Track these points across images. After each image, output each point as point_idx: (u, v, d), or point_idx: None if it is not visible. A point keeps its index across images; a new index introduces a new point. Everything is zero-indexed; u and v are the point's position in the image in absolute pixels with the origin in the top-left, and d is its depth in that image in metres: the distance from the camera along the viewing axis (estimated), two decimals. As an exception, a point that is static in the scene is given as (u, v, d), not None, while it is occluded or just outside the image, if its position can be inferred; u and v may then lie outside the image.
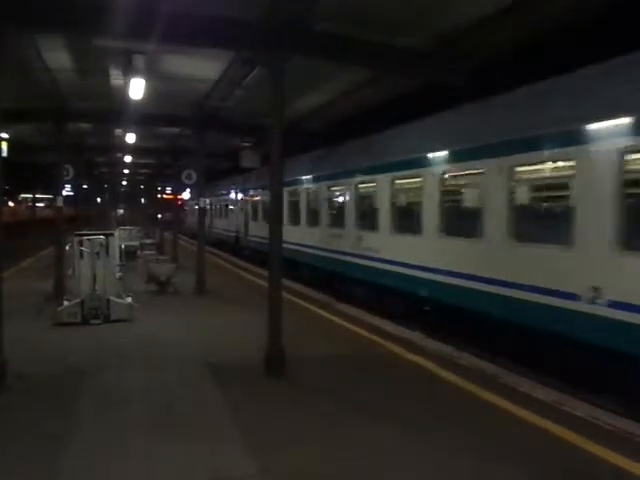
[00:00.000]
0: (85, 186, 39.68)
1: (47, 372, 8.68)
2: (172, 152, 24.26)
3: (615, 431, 6.37)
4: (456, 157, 11.21)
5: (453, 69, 9.95)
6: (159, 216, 37.69)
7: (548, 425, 6.54)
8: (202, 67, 11.53)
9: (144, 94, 12.01)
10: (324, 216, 18.02)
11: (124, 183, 56.41)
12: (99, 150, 26.95)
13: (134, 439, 6.20)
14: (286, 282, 15.29)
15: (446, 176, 11.60)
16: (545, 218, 9.35)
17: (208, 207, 34.63)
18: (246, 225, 28.74)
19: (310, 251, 18.94)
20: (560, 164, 8.87)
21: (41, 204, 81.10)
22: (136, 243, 26.18)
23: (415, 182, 12.76)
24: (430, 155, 12.05)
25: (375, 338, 10.90)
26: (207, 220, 33.94)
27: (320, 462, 5.70)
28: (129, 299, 13.02)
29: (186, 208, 50.64)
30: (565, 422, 6.61)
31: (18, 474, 5.43)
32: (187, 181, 21.96)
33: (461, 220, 11.19)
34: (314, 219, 18.77)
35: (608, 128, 7.86)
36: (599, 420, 6.66)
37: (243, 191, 30.14)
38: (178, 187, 31.18)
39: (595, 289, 7.91)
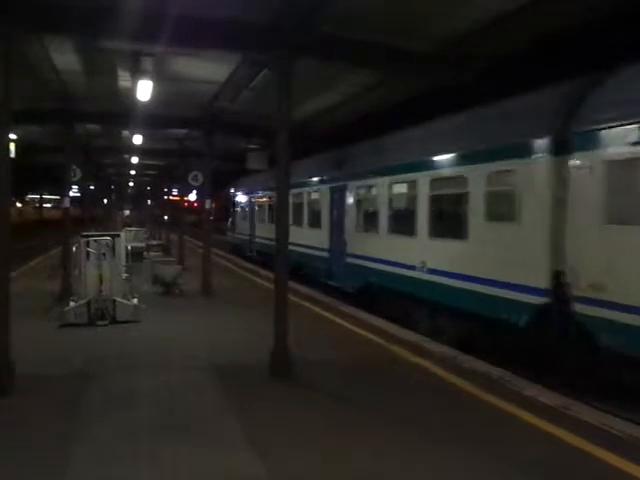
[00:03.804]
0: (92, 187, 39.72)
1: (53, 373, 8.71)
2: (179, 154, 24.28)
3: (621, 436, 6.34)
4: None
5: (457, 72, 9.99)
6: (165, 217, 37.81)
7: (553, 429, 6.53)
8: (210, 69, 11.56)
9: (152, 96, 12.05)
10: None
11: (131, 184, 56.48)
12: (106, 151, 27.01)
13: (138, 441, 6.21)
14: (293, 285, 15.31)
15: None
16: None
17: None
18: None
19: None
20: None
21: (48, 205, 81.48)
22: (142, 244, 26.22)
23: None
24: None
25: (380, 340, 10.90)
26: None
27: (322, 464, 5.70)
28: (135, 300, 13.04)
29: (238, 208, 33.03)
30: (570, 426, 6.59)
31: (23, 476, 5.44)
32: (194, 182, 21.99)
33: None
34: None
35: None
36: (605, 425, 6.63)
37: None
38: (186, 188, 30.01)
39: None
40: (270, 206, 25.67)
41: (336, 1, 8.00)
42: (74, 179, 18.78)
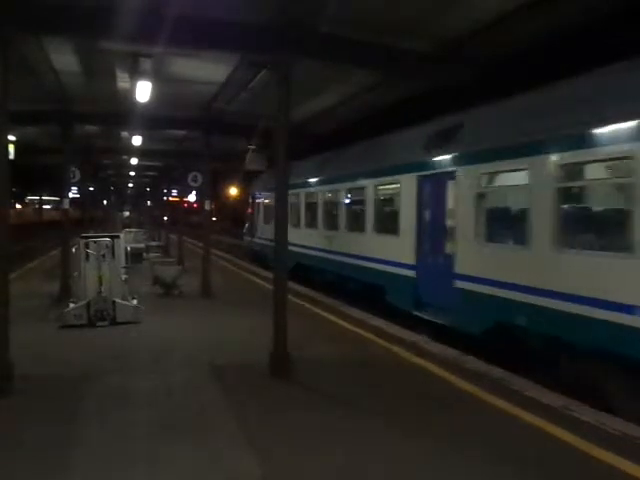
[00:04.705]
0: (91, 188, 39.77)
1: (53, 374, 8.69)
2: (179, 154, 24.27)
3: (620, 435, 6.33)
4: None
5: (458, 72, 10.02)
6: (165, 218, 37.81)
7: (553, 429, 6.51)
8: (209, 70, 11.56)
9: (151, 96, 12.04)
10: None
11: (130, 185, 56.51)
12: (105, 152, 27.02)
13: (138, 441, 6.20)
14: (294, 286, 15.30)
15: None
16: None
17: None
18: None
19: None
20: None
21: (48, 206, 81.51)
22: (142, 245, 26.21)
23: None
24: None
25: (380, 341, 10.88)
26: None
27: (322, 464, 5.69)
28: (135, 301, 13.03)
29: (261, 208, 25.70)
30: (570, 426, 6.57)
31: (23, 477, 5.43)
32: (193, 183, 21.99)
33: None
34: None
35: None
36: (604, 424, 6.62)
37: None
38: (185, 189, 29.89)
39: None
40: (322, 205, 18.31)
41: (336, 2, 8.00)
42: (73, 180, 18.79)
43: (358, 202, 15.52)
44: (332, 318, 13.17)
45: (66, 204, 16.28)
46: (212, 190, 18.17)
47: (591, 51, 8.56)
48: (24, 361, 8.27)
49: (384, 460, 5.80)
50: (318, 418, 6.94)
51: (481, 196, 10.38)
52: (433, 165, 11.87)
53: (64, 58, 10.95)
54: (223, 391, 7.91)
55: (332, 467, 5.63)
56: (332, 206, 17.39)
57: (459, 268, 10.80)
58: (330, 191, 17.54)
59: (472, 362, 9.46)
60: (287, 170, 8.94)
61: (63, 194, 16.50)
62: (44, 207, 79.35)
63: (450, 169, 11.17)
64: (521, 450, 6.06)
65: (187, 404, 7.41)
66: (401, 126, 13.97)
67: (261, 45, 8.81)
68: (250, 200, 28.34)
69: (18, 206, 77.11)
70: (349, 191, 16.18)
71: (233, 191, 71.52)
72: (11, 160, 9.57)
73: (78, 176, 20.23)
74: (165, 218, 38.52)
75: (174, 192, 34.32)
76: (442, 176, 11.57)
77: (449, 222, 11.41)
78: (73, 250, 14.32)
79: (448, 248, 11.38)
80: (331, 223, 17.25)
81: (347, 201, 16.38)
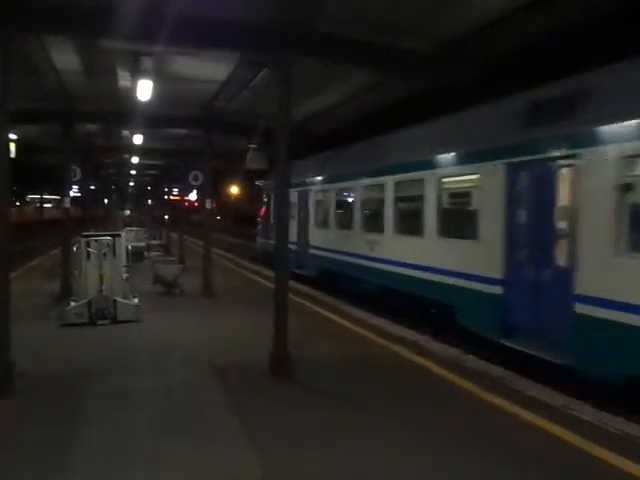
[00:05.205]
0: (92, 187, 39.76)
1: (53, 373, 8.69)
2: (180, 153, 24.26)
3: (620, 434, 6.33)
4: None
5: (458, 72, 10.03)
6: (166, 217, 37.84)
7: (553, 428, 6.52)
8: (210, 68, 11.56)
9: (152, 95, 12.03)
10: None
11: (131, 184, 56.48)
12: (106, 151, 27.01)
13: (139, 441, 6.20)
14: (295, 285, 15.29)
15: None
16: None
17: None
18: None
19: None
20: None
21: (49, 205, 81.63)
22: (143, 244, 26.22)
23: None
24: None
25: (381, 340, 10.88)
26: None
27: (322, 464, 5.69)
28: (136, 300, 13.04)
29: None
30: (571, 425, 6.57)
31: (23, 477, 5.44)
32: (194, 182, 21.99)
33: None
34: None
35: None
36: (605, 424, 6.62)
37: None
38: (186, 188, 29.78)
39: None
40: (360, 203, 15.46)
41: (336, 2, 8.00)
42: (74, 179, 18.79)
43: (412, 199, 12.65)
44: (333, 317, 13.17)
45: (67, 203, 16.28)
46: (213, 189, 18.11)
47: (591, 51, 8.56)
48: (25, 360, 8.27)
49: (384, 460, 5.80)
50: (318, 418, 6.94)
51: (625, 189, 7.34)
52: (532, 148, 8.95)
53: (65, 57, 10.96)
54: (223, 391, 7.91)
55: (332, 467, 5.63)
56: (374, 204, 14.61)
57: (584, 288, 7.87)
58: (371, 185, 14.74)
59: (473, 361, 9.47)
60: (288, 170, 8.95)
61: (64, 193, 16.50)
62: (45, 206, 79.49)
63: (564, 152, 8.28)
64: (521, 449, 6.07)
65: (187, 404, 7.41)
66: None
67: (261, 45, 8.82)
68: (264, 199, 25.76)
69: (18, 204, 77.21)
70: (398, 185, 13.33)
71: (234, 190, 71.53)
72: (12, 159, 9.59)
73: (79, 175, 20.25)
74: (166, 217, 38.55)
75: (175, 191, 34.32)
76: (548, 162, 8.73)
77: (561, 224, 8.60)
78: (74, 249, 14.32)
79: (561, 259, 8.58)
80: (373, 224, 14.55)
81: (396, 198, 13.49)
